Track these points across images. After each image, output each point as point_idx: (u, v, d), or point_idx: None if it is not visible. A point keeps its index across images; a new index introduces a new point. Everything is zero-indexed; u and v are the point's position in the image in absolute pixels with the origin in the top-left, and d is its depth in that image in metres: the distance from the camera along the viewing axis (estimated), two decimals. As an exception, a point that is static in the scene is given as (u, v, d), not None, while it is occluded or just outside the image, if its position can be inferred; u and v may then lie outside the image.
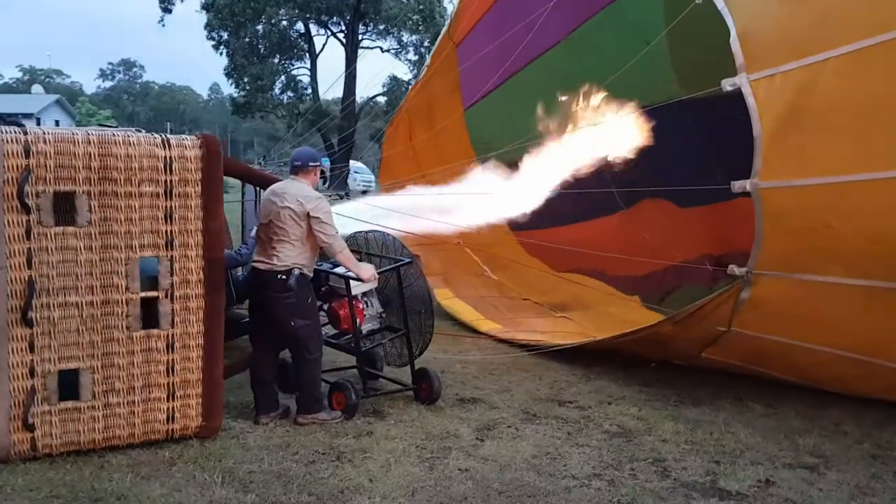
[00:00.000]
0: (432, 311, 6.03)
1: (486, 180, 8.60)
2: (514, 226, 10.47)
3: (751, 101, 5.26)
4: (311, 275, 5.39)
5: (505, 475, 4.68)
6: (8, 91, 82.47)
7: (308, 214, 5.16)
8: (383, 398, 6.02)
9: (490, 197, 8.44)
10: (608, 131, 7.94)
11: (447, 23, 10.55)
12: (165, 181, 4.65)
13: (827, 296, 5.51)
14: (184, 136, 4.80)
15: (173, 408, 4.82)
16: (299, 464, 4.68)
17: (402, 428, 5.42)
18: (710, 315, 5.93)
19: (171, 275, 4.73)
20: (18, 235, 4.34)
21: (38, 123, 44.25)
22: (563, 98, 8.38)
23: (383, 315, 6.09)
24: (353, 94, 37.46)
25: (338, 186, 23.76)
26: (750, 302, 5.68)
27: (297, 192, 5.24)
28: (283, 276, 5.16)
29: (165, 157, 4.64)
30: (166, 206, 4.68)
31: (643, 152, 8.96)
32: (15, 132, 4.33)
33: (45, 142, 4.36)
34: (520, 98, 9.24)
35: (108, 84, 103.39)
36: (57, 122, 45.27)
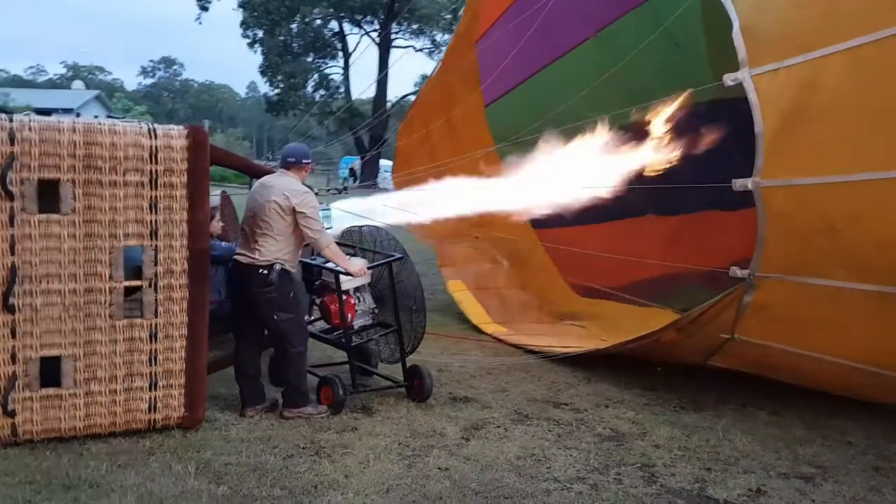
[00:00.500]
0: (424, 308, 5.96)
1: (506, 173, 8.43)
2: (536, 223, 10.37)
3: (753, 96, 5.09)
4: (295, 269, 5.35)
5: (485, 475, 4.61)
6: (52, 87, 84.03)
7: (293, 209, 5.13)
8: (374, 395, 5.97)
9: (507, 188, 8.30)
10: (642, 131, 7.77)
11: (461, 17, 10.44)
12: (150, 171, 4.65)
13: (832, 301, 5.32)
14: (171, 126, 4.79)
15: (155, 397, 4.81)
16: (277, 457, 4.65)
17: (388, 425, 5.37)
18: (713, 321, 5.78)
19: (156, 264, 4.73)
20: (2, 222, 4.36)
21: (77, 117, 44.91)
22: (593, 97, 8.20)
23: (376, 311, 6.04)
24: (385, 93, 37.58)
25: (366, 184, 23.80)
26: (753, 306, 5.52)
27: (283, 185, 5.22)
28: (265, 271, 5.14)
29: (151, 146, 4.63)
30: (151, 196, 4.68)
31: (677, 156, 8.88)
32: (0, 119, 4.35)
33: (30, 129, 4.38)
34: (546, 95, 9.07)
35: (149, 81, 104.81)
36: (96, 117, 45.94)
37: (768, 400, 6.35)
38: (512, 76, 9.50)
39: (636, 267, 8.60)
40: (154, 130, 4.67)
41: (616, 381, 6.80)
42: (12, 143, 4.33)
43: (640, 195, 8.86)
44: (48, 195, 4.46)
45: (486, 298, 9.35)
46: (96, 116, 46.00)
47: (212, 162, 5.03)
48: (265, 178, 5.41)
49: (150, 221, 4.69)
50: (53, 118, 4.64)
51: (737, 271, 5.46)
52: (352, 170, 37.57)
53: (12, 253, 4.39)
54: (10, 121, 4.37)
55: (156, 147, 4.65)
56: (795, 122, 5.06)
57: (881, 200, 4.92)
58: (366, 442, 5.00)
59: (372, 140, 33.18)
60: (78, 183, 4.49)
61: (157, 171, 4.66)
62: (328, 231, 6.81)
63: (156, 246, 4.71)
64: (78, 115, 47.95)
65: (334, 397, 5.45)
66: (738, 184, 5.26)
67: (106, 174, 4.55)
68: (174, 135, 4.71)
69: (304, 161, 5.42)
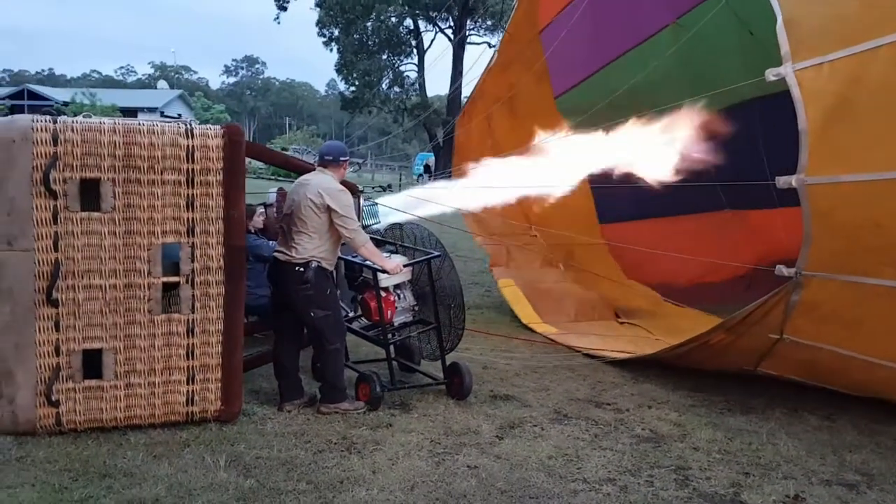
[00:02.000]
0: (463, 306, 5.95)
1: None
2: (603, 217, 10.23)
3: (796, 91, 4.94)
4: (332, 267, 5.41)
5: (513, 474, 4.58)
6: (140, 86, 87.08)
7: (328, 207, 5.18)
8: (414, 391, 6.00)
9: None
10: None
11: (514, 6, 10.25)
12: (187, 169, 4.78)
13: (880, 300, 5.12)
14: (208, 125, 4.91)
15: (192, 391, 4.94)
16: (308, 452, 4.72)
17: (424, 422, 5.39)
18: (761, 321, 5.61)
19: (192, 261, 4.85)
20: (46, 219, 4.54)
21: (161, 116, 46.49)
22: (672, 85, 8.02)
23: (416, 308, 6.06)
24: (460, 90, 37.55)
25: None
26: (801, 306, 5.34)
27: (319, 183, 5.28)
28: (301, 269, 5.21)
29: (188, 146, 4.76)
30: (188, 194, 4.80)
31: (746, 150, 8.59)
32: (45, 121, 4.53)
33: (72, 130, 4.55)
34: (624, 84, 8.84)
35: (232, 80, 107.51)
36: (179, 115, 47.37)
37: (822, 404, 6.13)
38: (586, 65, 9.31)
39: (702, 267, 8.46)
40: (191, 130, 4.79)
41: (663, 382, 6.67)
42: (55, 144, 4.51)
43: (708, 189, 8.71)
44: (90, 194, 4.62)
45: (538, 296, 9.26)
46: (179, 115, 47.54)
47: (251, 158, 5.12)
48: (303, 177, 5.48)
49: (187, 219, 4.81)
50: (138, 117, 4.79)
51: (783, 270, 5.31)
52: (427, 166, 37.84)
53: (56, 249, 4.57)
54: (55, 122, 4.54)
55: (193, 146, 4.77)
56: (840, 118, 4.90)
57: None
58: (398, 438, 5.03)
59: (446, 136, 33.26)
60: (118, 182, 4.65)
61: (193, 169, 4.79)
62: (375, 226, 6.91)
63: (193, 243, 4.84)
64: (162, 113, 49.58)
65: (371, 393, 5.49)
66: (782, 181, 5.12)
67: (145, 173, 4.69)
68: (210, 134, 4.82)
69: (342, 159, 5.48)
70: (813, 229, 5.11)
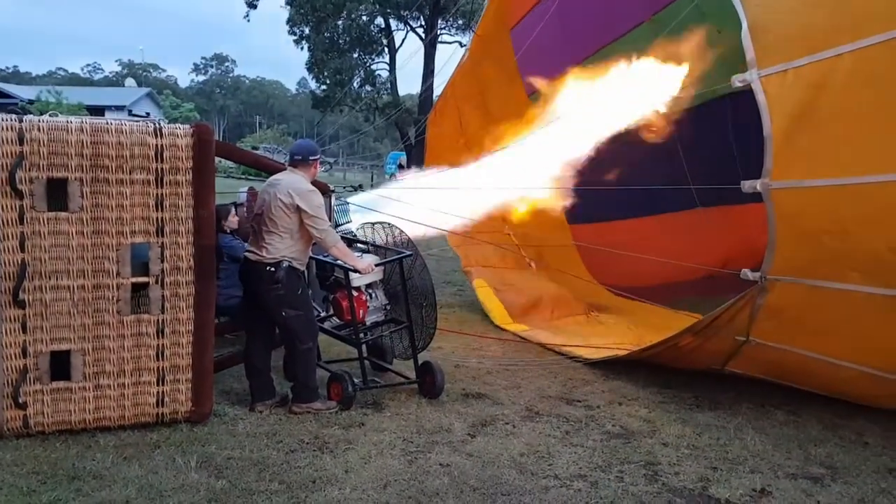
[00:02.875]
0: (435, 305, 5.97)
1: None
2: (571, 217, 10.23)
3: (761, 98, 4.97)
4: (303, 267, 5.40)
5: (485, 472, 4.61)
6: (108, 84, 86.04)
7: (298, 207, 5.17)
8: (387, 391, 6.01)
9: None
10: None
11: (485, 7, 10.21)
12: (156, 169, 4.74)
13: (846, 305, 5.15)
14: (177, 124, 4.87)
15: (163, 392, 4.91)
16: (280, 452, 4.71)
17: (396, 421, 5.40)
18: (728, 324, 5.67)
19: (162, 261, 4.82)
20: (12, 219, 4.49)
21: (130, 115, 46.00)
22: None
23: (388, 307, 6.07)
24: (431, 89, 37.53)
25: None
26: (766, 309, 5.39)
27: (289, 183, 5.26)
28: (272, 269, 5.19)
29: (157, 145, 4.72)
30: (157, 194, 4.76)
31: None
32: (10, 119, 4.47)
33: (38, 129, 4.49)
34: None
35: (201, 78, 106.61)
36: (147, 114, 46.94)
37: (788, 400, 6.22)
38: (560, 63, 9.17)
39: (666, 267, 8.52)
40: (160, 129, 4.76)
41: (633, 379, 6.73)
42: (21, 143, 4.45)
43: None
44: (57, 193, 4.57)
45: (510, 293, 9.29)
46: (148, 114, 47.07)
47: (221, 157, 5.09)
48: (273, 177, 5.46)
49: (157, 219, 4.78)
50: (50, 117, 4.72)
51: (748, 274, 5.34)
52: (401, 165, 37.80)
53: (22, 250, 4.52)
54: (20, 121, 4.48)
55: (162, 146, 4.73)
56: (805, 124, 4.92)
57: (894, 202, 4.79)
58: (370, 437, 5.03)
59: (418, 135, 33.22)
60: (86, 181, 4.60)
61: (163, 169, 4.75)
62: (347, 225, 6.90)
63: (162, 243, 4.81)
64: (130, 111, 49.04)
65: (343, 393, 5.49)
66: (747, 185, 5.15)
67: (113, 173, 4.65)
68: (180, 133, 4.78)
69: (312, 158, 5.46)
70: (778, 233, 5.15)
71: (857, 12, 4.82)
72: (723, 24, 7.34)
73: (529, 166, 8.26)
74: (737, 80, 5.10)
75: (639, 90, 7.42)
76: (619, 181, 8.48)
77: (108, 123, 4.67)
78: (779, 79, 4.96)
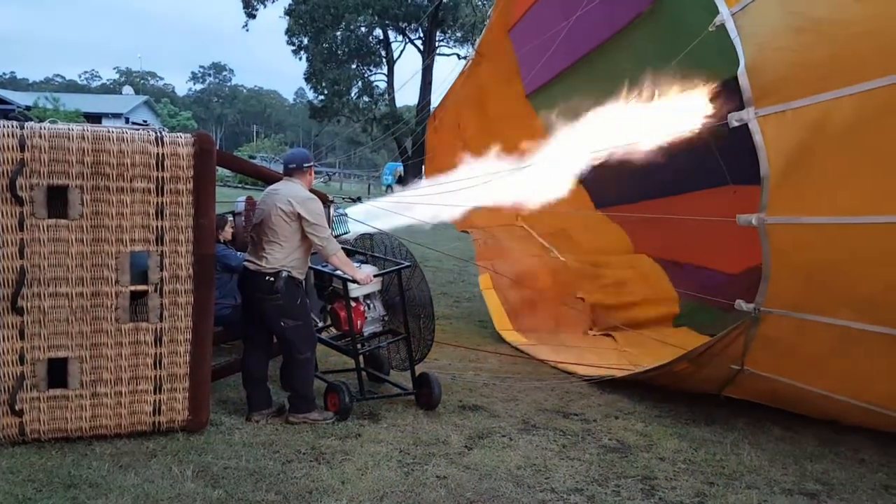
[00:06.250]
0: (433, 317, 5.97)
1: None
2: (600, 202, 10.11)
3: (758, 138, 4.94)
4: (302, 277, 5.40)
5: (482, 484, 4.60)
6: (105, 92, 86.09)
7: (298, 215, 5.17)
8: (384, 402, 6.00)
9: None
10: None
11: (486, 26, 10.21)
12: (157, 177, 4.74)
13: (837, 340, 5.17)
14: (178, 133, 4.88)
15: (160, 401, 4.90)
16: (276, 462, 4.70)
17: (393, 432, 5.39)
18: (722, 353, 5.68)
19: (161, 269, 4.81)
20: (11, 226, 4.48)
21: (127, 122, 46.01)
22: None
23: (385, 318, 6.06)
24: (429, 100, 37.63)
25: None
26: (760, 340, 5.40)
27: (288, 192, 5.27)
28: (271, 278, 5.19)
29: (158, 153, 4.72)
30: (158, 202, 4.76)
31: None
32: (11, 126, 4.47)
33: (40, 136, 4.49)
34: (606, 75, 8.56)
35: (199, 86, 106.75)
36: (145, 122, 46.92)
37: (784, 416, 6.21)
38: (559, 60, 9.07)
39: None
40: (161, 138, 4.76)
41: (630, 393, 6.73)
42: (22, 150, 4.45)
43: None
44: (57, 201, 4.57)
45: (514, 299, 9.22)
46: (145, 121, 47.07)
47: (221, 166, 5.10)
48: (272, 186, 5.46)
49: (157, 227, 4.77)
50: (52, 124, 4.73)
51: (742, 305, 5.35)
52: (399, 176, 37.87)
53: (21, 256, 4.51)
54: (22, 128, 4.48)
55: (163, 154, 4.74)
56: (802, 163, 4.91)
57: (888, 243, 4.76)
58: (367, 449, 5.02)
59: (415, 146, 33.28)
60: (86, 189, 4.60)
61: (163, 177, 4.75)
62: (345, 235, 6.90)
63: (162, 251, 4.80)
64: (127, 119, 49.06)
65: (340, 404, 5.49)
66: (743, 219, 5.14)
67: (113, 181, 4.65)
68: (181, 142, 4.79)
69: (306, 165, 5.47)
70: (772, 267, 5.15)
71: (859, 55, 4.76)
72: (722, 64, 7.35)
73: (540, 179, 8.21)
74: (734, 119, 5.08)
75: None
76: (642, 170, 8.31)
77: (109, 131, 4.68)
78: (777, 119, 4.93)
